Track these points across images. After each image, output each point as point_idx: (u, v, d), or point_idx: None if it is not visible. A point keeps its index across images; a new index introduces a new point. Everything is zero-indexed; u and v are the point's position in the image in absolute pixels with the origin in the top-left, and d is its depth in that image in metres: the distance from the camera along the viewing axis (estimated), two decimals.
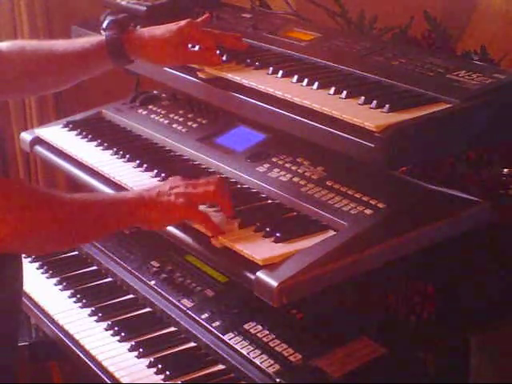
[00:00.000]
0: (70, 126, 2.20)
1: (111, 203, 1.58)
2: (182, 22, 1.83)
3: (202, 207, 1.63)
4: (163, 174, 1.82)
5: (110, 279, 2.09)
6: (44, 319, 1.96)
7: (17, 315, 1.67)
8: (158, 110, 2.19)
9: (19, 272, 1.64)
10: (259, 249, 1.50)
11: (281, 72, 1.72)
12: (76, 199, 1.54)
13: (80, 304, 1.99)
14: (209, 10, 2.21)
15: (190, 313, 1.84)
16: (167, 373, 1.70)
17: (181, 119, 2.09)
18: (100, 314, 1.93)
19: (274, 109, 1.66)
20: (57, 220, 1.48)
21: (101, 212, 1.55)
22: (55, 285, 2.08)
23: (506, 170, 1.79)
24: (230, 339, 1.73)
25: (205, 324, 1.79)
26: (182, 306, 1.86)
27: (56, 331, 1.91)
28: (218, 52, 1.83)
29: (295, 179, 1.72)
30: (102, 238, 1.71)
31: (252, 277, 1.47)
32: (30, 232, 1.45)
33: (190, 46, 1.85)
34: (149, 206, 1.56)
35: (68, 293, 2.04)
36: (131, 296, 2.01)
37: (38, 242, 1.50)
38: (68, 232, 1.52)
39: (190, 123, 2.06)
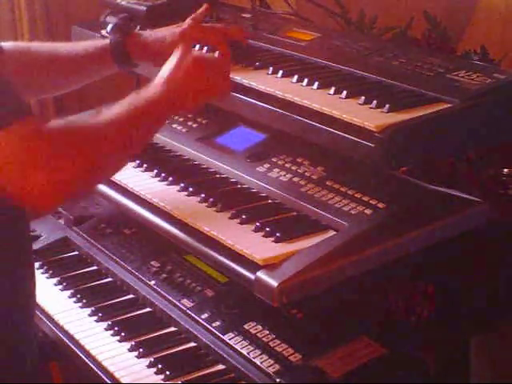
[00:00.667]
0: None
1: (145, 110, 1.55)
2: (184, 24, 1.83)
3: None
4: (163, 174, 1.82)
5: (109, 279, 2.09)
6: (44, 319, 1.96)
7: (29, 328, 1.64)
8: None
9: (32, 281, 1.62)
10: (259, 249, 1.50)
11: (281, 72, 1.72)
12: (111, 120, 1.49)
13: (80, 304, 1.99)
14: (209, 9, 2.21)
15: (190, 313, 1.84)
16: (167, 373, 1.70)
17: (181, 119, 2.09)
18: (100, 314, 1.93)
19: (274, 109, 1.66)
20: (103, 147, 1.45)
21: (140, 122, 1.53)
22: (55, 285, 2.07)
23: (506, 170, 1.79)
24: (230, 339, 1.73)
25: (205, 324, 1.79)
26: (181, 306, 1.86)
27: (56, 331, 1.91)
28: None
29: (295, 179, 1.72)
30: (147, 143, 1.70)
31: (252, 277, 1.47)
32: (89, 168, 1.41)
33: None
34: (179, 94, 1.58)
35: (68, 293, 2.04)
36: (131, 296, 2.00)
37: (99, 174, 1.48)
38: (119, 151, 1.50)
39: (189, 123, 2.06)
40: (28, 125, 1.33)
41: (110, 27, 1.88)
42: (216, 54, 1.74)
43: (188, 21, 1.85)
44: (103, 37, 1.92)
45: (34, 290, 1.65)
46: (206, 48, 1.85)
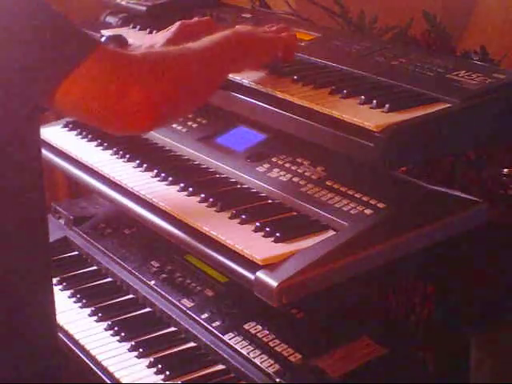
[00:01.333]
0: (70, 125, 2.20)
1: (217, 44, 1.56)
2: (173, 27, 1.84)
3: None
4: (163, 174, 1.82)
5: (109, 279, 2.09)
6: None
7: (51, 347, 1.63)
8: None
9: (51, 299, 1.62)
10: (259, 249, 1.50)
11: (280, 72, 1.72)
12: (194, 49, 1.51)
13: (80, 304, 1.99)
14: (209, 10, 2.21)
15: (190, 313, 1.84)
16: (167, 373, 1.70)
17: (180, 119, 2.09)
18: (100, 314, 1.93)
19: (274, 109, 1.66)
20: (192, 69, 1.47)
21: (218, 53, 1.55)
22: (55, 285, 2.07)
23: (506, 170, 1.79)
24: (230, 339, 1.73)
25: (205, 324, 1.79)
26: (181, 306, 1.86)
27: None
28: None
29: (295, 179, 1.72)
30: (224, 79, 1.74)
31: (252, 277, 1.47)
32: (175, 90, 1.42)
33: None
34: (247, 38, 1.62)
35: (68, 293, 2.04)
36: (131, 296, 2.01)
37: (191, 94, 1.49)
38: (209, 72, 1.53)
39: (189, 123, 2.06)
40: (108, 48, 1.36)
41: (104, 39, 1.87)
42: None
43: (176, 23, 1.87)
44: (103, 37, 1.91)
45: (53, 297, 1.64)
46: None
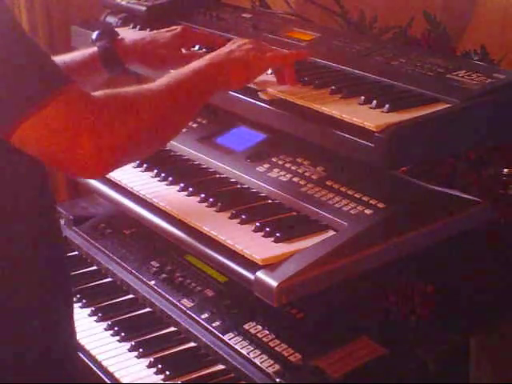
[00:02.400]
0: None
1: (193, 75, 1.54)
2: (177, 28, 1.85)
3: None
4: (163, 174, 1.82)
5: (109, 279, 2.09)
6: None
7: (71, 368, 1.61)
8: None
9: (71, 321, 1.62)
10: (259, 249, 1.50)
11: None
12: (162, 84, 1.49)
13: (80, 304, 1.99)
14: (209, 9, 2.21)
15: (189, 313, 1.84)
16: (167, 373, 1.70)
17: None
18: (100, 314, 1.93)
19: (273, 109, 1.66)
20: (149, 117, 1.43)
21: (190, 86, 1.52)
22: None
23: (506, 170, 1.79)
24: (230, 339, 1.73)
25: (205, 324, 1.79)
26: (181, 306, 1.86)
27: None
28: None
29: (295, 179, 1.72)
30: (194, 116, 1.66)
31: (252, 277, 1.47)
32: (130, 141, 1.39)
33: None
34: (225, 68, 1.57)
35: None
36: (131, 296, 2.00)
37: (153, 137, 1.46)
38: (172, 115, 1.48)
39: (190, 123, 2.06)
40: (72, 92, 1.32)
41: (95, 35, 1.88)
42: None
43: (179, 26, 1.88)
44: (95, 33, 1.91)
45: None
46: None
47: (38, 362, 1.46)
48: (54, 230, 1.52)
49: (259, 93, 1.68)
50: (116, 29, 2.04)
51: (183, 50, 1.86)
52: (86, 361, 1.80)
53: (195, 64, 1.56)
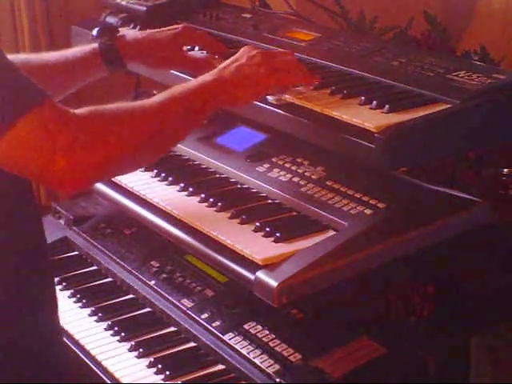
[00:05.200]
0: None
1: (191, 93, 1.50)
2: (178, 27, 1.85)
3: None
4: (163, 174, 1.82)
5: (110, 279, 2.09)
6: None
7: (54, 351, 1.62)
8: None
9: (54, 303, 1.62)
10: (259, 249, 1.50)
11: None
12: (154, 102, 1.46)
13: (80, 304, 1.99)
14: (209, 9, 2.21)
15: (189, 313, 1.84)
16: (167, 373, 1.70)
17: None
18: (100, 314, 1.93)
19: (273, 109, 1.66)
20: (142, 129, 1.42)
21: (184, 105, 1.49)
22: (55, 285, 2.07)
23: (506, 169, 1.79)
24: (229, 339, 1.73)
25: (205, 324, 1.79)
26: (182, 306, 1.86)
27: None
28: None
29: (295, 179, 1.72)
30: (192, 130, 1.61)
31: (252, 277, 1.47)
32: (109, 160, 1.38)
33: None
34: (232, 85, 1.54)
35: (68, 293, 2.04)
36: (131, 296, 2.00)
37: (134, 157, 1.44)
38: (157, 137, 1.45)
39: None
40: (47, 109, 1.32)
41: (95, 31, 1.87)
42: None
43: (182, 25, 1.88)
44: (95, 30, 1.91)
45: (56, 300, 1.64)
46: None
47: (20, 347, 1.46)
48: (33, 217, 1.52)
49: None
50: None
51: (184, 49, 1.86)
52: (86, 360, 1.80)
53: (202, 78, 1.54)
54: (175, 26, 1.87)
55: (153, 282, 1.96)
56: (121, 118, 1.42)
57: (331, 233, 1.54)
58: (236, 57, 1.60)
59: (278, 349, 1.67)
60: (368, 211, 1.56)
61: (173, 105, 1.48)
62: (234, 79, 1.54)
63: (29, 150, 1.30)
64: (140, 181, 1.83)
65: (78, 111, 1.36)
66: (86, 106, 1.39)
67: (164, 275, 1.97)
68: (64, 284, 2.07)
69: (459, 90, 1.57)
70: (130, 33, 1.92)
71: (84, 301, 1.99)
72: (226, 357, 1.71)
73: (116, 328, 1.87)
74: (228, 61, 1.59)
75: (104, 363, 1.77)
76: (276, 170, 1.76)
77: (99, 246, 2.16)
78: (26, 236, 1.50)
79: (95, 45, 1.81)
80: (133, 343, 1.81)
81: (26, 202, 1.50)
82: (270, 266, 1.46)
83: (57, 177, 1.32)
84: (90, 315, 1.94)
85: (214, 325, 1.78)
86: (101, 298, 2.00)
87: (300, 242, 1.52)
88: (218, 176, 1.82)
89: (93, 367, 1.78)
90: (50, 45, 2.85)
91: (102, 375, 1.76)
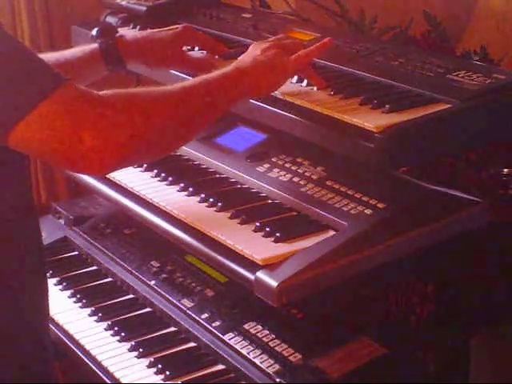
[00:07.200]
0: None
1: (214, 81, 1.50)
2: (178, 27, 1.85)
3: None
4: (163, 174, 1.82)
5: (110, 279, 2.09)
6: None
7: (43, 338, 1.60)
8: None
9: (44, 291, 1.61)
10: (259, 249, 1.50)
11: None
12: (177, 87, 1.46)
13: (80, 304, 1.99)
14: (209, 9, 2.21)
15: (189, 313, 1.84)
16: (167, 373, 1.70)
17: None
18: (100, 314, 1.93)
19: (273, 109, 1.66)
20: (170, 114, 1.42)
21: (209, 92, 1.49)
22: (55, 285, 2.08)
23: (506, 169, 1.79)
24: (229, 339, 1.73)
25: (205, 324, 1.79)
26: (182, 306, 1.86)
27: (56, 331, 1.91)
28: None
29: (295, 179, 1.72)
30: (216, 118, 1.61)
31: (252, 277, 1.47)
32: (149, 131, 1.37)
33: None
34: (253, 74, 1.54)
35: (68, 293, 2.04)
36: (131, 296, 2.01)
37: (160, 140, 1.43)
38: (181, 121, 1.45)
39: None
40: (71, 90, 1.31)
41: (95, 31, 1.88)
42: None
43: (182, 25, 1.88)
44: (94, 30, 1.91)
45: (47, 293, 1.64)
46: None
47: (10, 347, 1.46)
48: (28, 209, 1.52)
49: None
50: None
51: (184, 49, 1.86)
52: (86, 361, 1.81)
53: (222, 70, 1.54)
54: (175, 26, 1.87)
55: (153, 282, 1.96)
56: (146, 99, 1.41)
57: (331, 233, 1.54)
58: (249, 52, 1.62)
59: (277, 349, 1.68)
60: (368, 211, 1.56)
61: (196, 90, 1.48)
62: (252, 69, 1.55)
63: (56, 131, 1.29)
64: (140, 181, 1.83)
65: (101, 92, 1.35)
66: None
67: (164, 275, 1.98)
68: (64, 284, 2.07)
69: (459, 90, 1.57)
70: (129, 33, 1.92)
71: (84, 301, 1.99)
72: (225, 357, 1.71)
73: (116, 328, 1.87)
74: (241, 57, 1.61)
75: (104, 363, 1.77)
76: (276, 170, 1.76)
77: (99, 246, 2.16)
78: (21, 234, 1.50)
79: (95, 45, 1.82)
80: (133, 343, 1.81)
81: (24, 200, 1.50)
82: (270, 266, 1.46)
83: (84, 156, 1.31)
84: (90, 315, 1.94)
85: (214, 325, 1.78)
86: (101, 298, 2.00)
87: (300, 242, 1.52)
88: (217, 176, 1.82)
89: (93, 367, 1.78)
90: (49, 45, 2.85)
91: (101, 375, 1.76)
